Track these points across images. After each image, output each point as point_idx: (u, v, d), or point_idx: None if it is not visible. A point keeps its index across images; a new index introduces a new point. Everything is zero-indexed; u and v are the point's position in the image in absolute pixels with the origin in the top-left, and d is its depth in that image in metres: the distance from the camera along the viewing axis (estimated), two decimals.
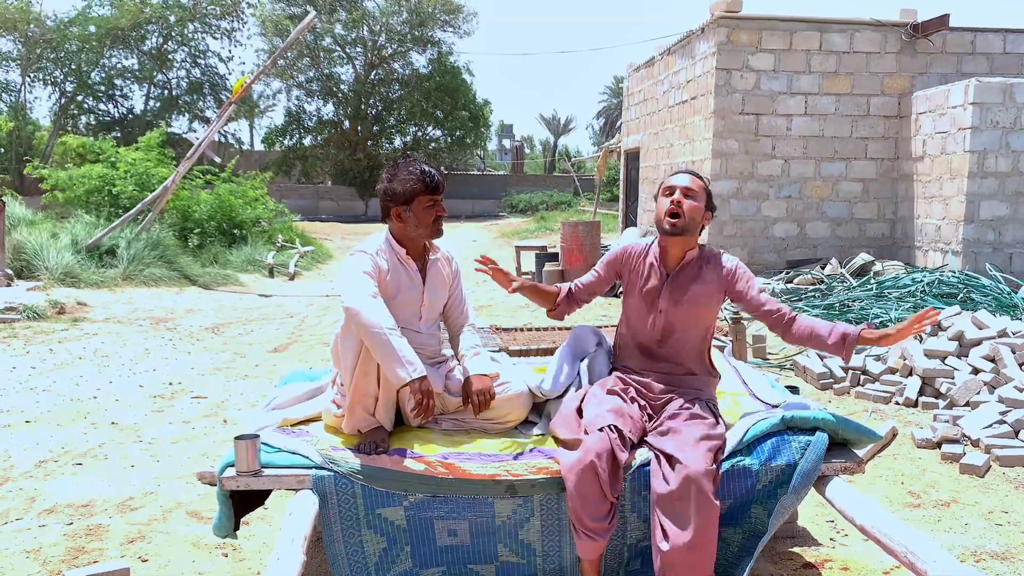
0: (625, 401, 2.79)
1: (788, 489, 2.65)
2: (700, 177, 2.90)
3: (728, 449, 2.69)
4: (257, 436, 2.65)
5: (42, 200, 15.50)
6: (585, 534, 2.52)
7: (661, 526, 2.47)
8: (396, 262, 2.92)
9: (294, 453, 2.69)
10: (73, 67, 27.39)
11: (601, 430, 2.56)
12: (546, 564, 2.70)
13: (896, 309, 7.50)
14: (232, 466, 2.60)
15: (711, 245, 10.29)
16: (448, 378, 2.98)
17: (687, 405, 2.76)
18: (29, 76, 27.35)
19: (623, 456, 2.55)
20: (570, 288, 3.15)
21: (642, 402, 2.83)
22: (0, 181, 20.60)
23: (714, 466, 2.52)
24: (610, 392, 2.82)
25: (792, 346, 7.27)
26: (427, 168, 2.87)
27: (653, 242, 3.00)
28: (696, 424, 2.66)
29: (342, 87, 33.49)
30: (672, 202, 2.82)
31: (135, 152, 14.68)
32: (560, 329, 5.45)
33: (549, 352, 4.35)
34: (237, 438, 2.60)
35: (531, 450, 2.75)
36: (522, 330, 5.45)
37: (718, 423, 2.75)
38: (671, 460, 2.52)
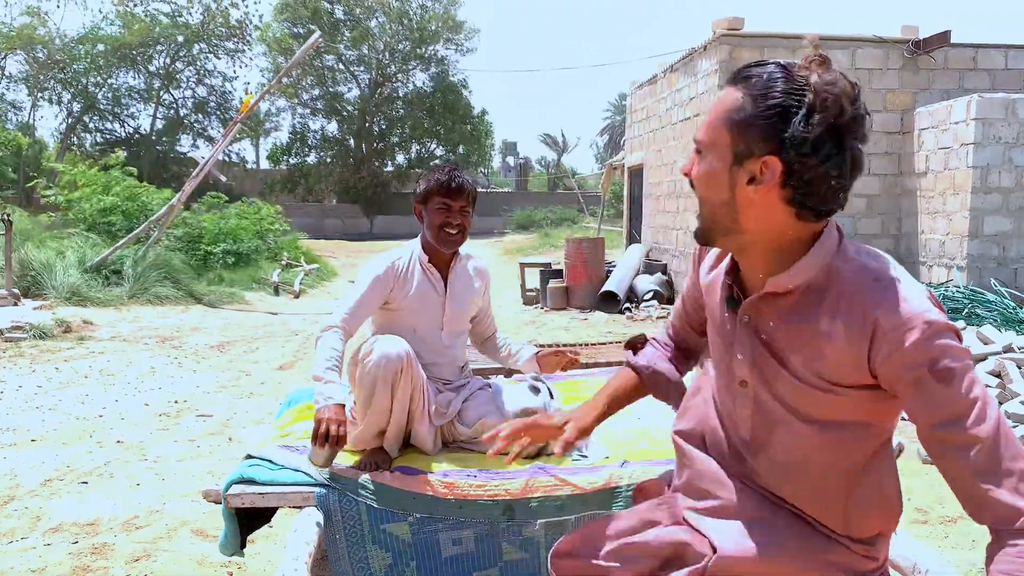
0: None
1: None
2: None
3: None
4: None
5: (42, 219, 15.56)
6: None
7: None
8: (419, 268, 2.89)
9: (297, 470, 2.69)
10: (80, 87, 27.60)
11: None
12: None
13: None
14: (237, 484, 2.60)
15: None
16: (463, 408, 2.85)
17: None
18: (36, 95, 27.56)
19: None
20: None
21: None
22: (6, 198, 20.73)
23: None
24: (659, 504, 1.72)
25: None
26: (452, 172, 2.82)
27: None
28: None
29: (346, 105, 33.71)
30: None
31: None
32: (569, 346, 5.42)
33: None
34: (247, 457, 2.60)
35: (534, 467, 2.67)
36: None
37: None
38: None
